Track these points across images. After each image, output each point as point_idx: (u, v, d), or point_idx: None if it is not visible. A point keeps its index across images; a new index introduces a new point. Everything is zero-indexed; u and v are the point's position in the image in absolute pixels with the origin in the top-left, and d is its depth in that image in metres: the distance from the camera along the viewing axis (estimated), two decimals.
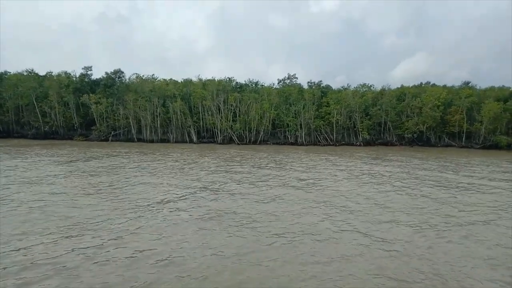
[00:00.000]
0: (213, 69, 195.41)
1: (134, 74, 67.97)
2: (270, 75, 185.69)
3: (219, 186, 20.26)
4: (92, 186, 19.11)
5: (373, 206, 16.11)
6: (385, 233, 12.36)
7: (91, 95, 56.81)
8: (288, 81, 77.09)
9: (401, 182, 22.86)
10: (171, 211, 14.50)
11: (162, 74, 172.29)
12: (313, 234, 12.08)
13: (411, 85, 71.09)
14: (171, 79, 70.87)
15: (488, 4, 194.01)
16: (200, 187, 19.65)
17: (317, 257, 10.16)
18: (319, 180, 23.03)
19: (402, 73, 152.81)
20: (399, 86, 70.64)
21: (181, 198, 16.91)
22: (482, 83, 69.38)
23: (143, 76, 66.36)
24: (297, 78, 75.39)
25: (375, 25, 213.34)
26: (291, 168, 28.54)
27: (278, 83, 76.29)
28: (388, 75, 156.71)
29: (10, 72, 66.66)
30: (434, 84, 74.12)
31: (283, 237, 11.70)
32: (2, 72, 66.52)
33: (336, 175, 25.22)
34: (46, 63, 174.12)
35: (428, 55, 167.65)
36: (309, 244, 11.15)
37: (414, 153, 46.87)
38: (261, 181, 22.00)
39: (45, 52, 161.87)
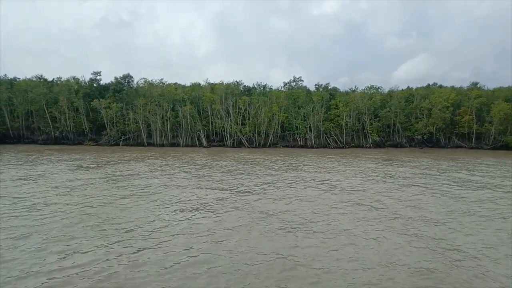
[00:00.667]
0: (214, 72, 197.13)
1: (142, 78, 68.57)
2: (271, 78, 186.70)
3: (244, 188, 20.27)
4: (121, 191, 19.16)
5: (404, 208, 16.05)
6: (424, 234, 12.30)
7: (101, 100, 57.13)
8: (294, 83, 77.38)
9: (424, 183, 22.77)
10: (206, 215, 14.51)
11: (163, 77, 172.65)
12: (352, 237, 12.04)
13: (414, 86, 71.50)
14: (175, 83, 71.37)
15: (489, 5, 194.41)
16: (225, 190, 19.67)
17: (360, 261, 10.09)
18: (341, 181, 23.00)
19: (404, 74, 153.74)
20: (405, 88, 71.03)
21: (213, 201, 16.93)
22: (484, 84, 69.78)
23: (151, 80, 66.82)
24: (302, 80, 75.76)
25: (377, 27, 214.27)
26: (308, 170, 28.52)
27: (284, 86, 76.76)
28: (390, 77, 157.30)
29: (19, 78, 67.39)
30: (441, 85, 74.21)
31: (323, 240, 11.67)
32: (11, 78, 67.20)
33: (355, 177, 25.18)
34: (46, 69, 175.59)
35: (430, 56, 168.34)
36: (350, 247, 11.11)
37: (426, 154, 46.71)
38: (283, 184, 22.00)
39: (45, 58, 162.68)
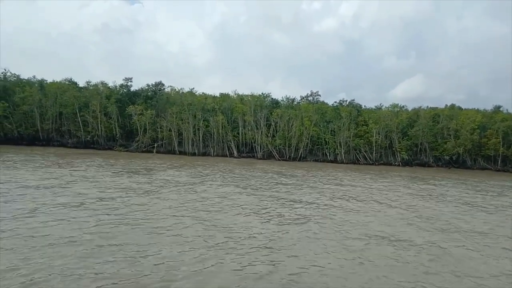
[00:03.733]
0: (213, 83, 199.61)
1: (169, 86, 69.22)
2: (269, 91, 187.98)
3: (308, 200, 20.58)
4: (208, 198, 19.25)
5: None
6: None
7: (136, 106, 57.28)
8: (311, 98, 77.19)
9: (483, 205, 23.16)
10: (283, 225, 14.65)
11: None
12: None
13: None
14: (194, 92, 71.81)
15: (486, 31, 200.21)
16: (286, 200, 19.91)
17: None
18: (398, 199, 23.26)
19: (401, 93, 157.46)
20: (429, 107, 72.10)
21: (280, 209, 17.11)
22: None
23: (181, 89, 67.49)
24: (319, 95, 75.14)
25: (375, 46, 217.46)
26: (361, 186, 28.75)
27: (301, 100, 76.57)
28: (386, 95, 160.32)
29: (47, 81, 67.48)
30: (460, 107, 75.57)
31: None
32: (40, 80, 67.21)
33: (401, 195, 25.40)
34: (43, 71, 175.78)
35: (427, 77, 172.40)
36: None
37: (458, 175, 47.18)
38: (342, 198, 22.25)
39: (42, 60, 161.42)
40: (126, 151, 57.14)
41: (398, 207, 21.11)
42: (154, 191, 21.58)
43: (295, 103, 68.95)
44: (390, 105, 72.10)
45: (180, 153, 57.98)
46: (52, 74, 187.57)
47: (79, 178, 25.05)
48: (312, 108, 64.32)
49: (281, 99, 69.31)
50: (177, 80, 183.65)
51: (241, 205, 18.91)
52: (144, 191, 21.47)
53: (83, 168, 31.00)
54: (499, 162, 60.22)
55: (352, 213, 18.62)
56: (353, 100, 72.72)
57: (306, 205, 20.20)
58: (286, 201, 20.93)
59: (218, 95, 69.26)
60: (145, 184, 24.08)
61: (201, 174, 32.43)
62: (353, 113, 62.87)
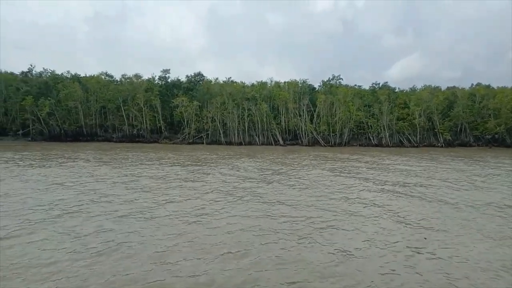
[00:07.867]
0: (206, 69, 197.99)
1: (203, 77, 69.03)
2: (263, 75, 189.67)
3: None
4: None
5: None
6: None
7: (182, 98, 57.11)
8: (333, 81, 75.84)
9: None
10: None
11: (154, 72, 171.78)
12: None
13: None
14: (232, 81, 71.47)
15: (483, 7, 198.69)
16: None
17: None
18: None
19: (397, 73, 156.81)
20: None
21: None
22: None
23: (216, 79, 67.41)
24: (342, 79, 73.75)
25: (371, 25, 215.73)
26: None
27: (323, 84, 75.10)
28: (383, 75, 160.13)
29: (80, 75, 66.76)
30: (479, 83, 75.53)
31: None
32: (73, 75, 66.40)
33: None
34: (35, 62, 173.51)
35: (423, 55, 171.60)
36: None
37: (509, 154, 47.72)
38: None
39: (31, 51, 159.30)
40: (172, 143, 57.35)
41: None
42: None
43: (320, 88, 68.69)
44: (423, 86, 72.37)
45: (226, 143, 58.20)
46: (44, 65, 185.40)
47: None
48: (351, 92, 64.19)
49: (319, 84, 69.22)
50: (170, 67, 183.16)
51: None
52: None
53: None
54: None
55: None
56: (386, 82, 72.92)
57: None
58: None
59: (255, 83, 68.72)
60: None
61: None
62: (391, 96, 63.03)
